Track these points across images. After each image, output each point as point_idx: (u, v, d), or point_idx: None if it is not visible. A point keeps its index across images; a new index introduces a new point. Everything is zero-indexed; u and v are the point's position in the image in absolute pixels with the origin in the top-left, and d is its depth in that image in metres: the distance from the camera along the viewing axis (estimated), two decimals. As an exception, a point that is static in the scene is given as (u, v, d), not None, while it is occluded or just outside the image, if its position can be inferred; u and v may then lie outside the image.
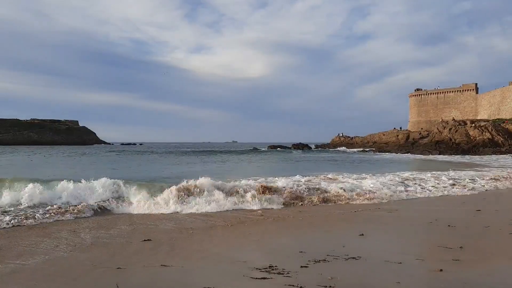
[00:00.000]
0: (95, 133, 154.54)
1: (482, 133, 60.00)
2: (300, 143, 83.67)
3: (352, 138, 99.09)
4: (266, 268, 5.17)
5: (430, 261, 5.63)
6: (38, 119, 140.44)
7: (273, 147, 77.84)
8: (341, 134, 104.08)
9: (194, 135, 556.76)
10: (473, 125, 63.39)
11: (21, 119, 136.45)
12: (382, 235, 7.51)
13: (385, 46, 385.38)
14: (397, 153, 60.35)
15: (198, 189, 11.46)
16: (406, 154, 56.37)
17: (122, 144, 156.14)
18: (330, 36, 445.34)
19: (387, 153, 59.75)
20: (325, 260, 5.57)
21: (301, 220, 9.04)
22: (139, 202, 10.56)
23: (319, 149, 78.87)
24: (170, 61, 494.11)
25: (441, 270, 5.16)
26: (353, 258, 5.68)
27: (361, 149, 75.63)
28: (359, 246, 6.47)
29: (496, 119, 70.41)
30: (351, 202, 11.71)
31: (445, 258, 5.70)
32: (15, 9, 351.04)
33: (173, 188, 11.24)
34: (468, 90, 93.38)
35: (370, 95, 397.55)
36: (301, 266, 5.27)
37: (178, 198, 10.76)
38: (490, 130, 60.11)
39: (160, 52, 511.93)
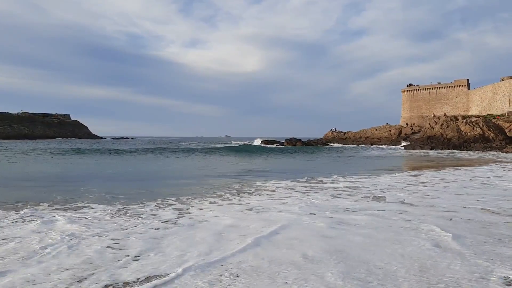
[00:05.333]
0: (87, 127, 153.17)
1: (473, 128, 60.61)
2: (293, 138, 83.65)
3: (345, 133, 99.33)
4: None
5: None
6: (29, 113, 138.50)
7: (267, 142, 77.65)
8: (334, 129, 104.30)
9: (188, 129, 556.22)
10: (465, 120, 63.97)
11: (12, 112, 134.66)
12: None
13: (379, 42, 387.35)
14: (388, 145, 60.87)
15: None
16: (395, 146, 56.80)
17: (115, 138, 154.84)
18: (325, 32, 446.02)
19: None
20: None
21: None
22: None
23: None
24: (165, 55, 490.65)
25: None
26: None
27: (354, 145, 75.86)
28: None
29: (487, 115, 71.11)
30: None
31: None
32: (10, 1, 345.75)
33: None
34: (460, 86, 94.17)
35: (364, 91, 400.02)
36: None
37: None
38: (481, 125, 60.72)
39: (156, 46, 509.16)
